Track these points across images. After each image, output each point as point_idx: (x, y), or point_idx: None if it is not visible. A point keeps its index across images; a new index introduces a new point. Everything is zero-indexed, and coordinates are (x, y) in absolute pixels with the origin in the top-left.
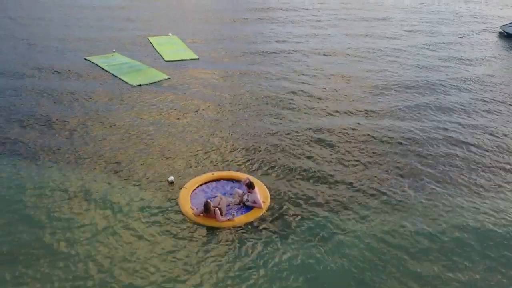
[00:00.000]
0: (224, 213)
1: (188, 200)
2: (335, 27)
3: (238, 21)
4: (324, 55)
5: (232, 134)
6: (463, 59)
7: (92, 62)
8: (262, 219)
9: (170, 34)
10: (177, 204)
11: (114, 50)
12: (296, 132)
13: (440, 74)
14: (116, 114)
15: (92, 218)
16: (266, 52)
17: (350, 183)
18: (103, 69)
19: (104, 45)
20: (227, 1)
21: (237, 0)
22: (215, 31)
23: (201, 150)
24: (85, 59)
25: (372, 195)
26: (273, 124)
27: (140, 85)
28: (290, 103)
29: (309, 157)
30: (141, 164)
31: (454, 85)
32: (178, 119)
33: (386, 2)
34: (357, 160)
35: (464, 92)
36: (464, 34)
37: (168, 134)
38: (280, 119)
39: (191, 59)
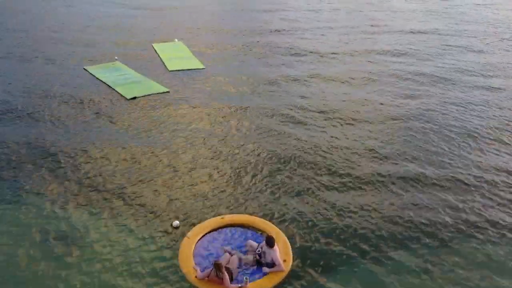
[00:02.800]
0: (234, 275)
1: (191, 256)
2: (359, 43)
3: (250, 30)
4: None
5: (240, 169)
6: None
7: (91, 74)
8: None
9: (176, 40)
10: (177, 258)
11: (116, 58)
12: (328, 170)
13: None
14: (108, 137)
15: (70, 268)
16: (282, 67)
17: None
18: (100, 80)
19: (107, 53)
20: (239, 10)
21: (250, 11)
22: (225, 38)
23: (207, 185)
24: (84, 69)
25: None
26: (297, 159)
27: (135, 97)
28: (313, 126)
29: (340, 205)
30: (134, 201)
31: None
32: (177, 143)
33: (408, 7)
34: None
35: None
36: (490, 41)
37: (165, 164)
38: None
39: (197, 69)
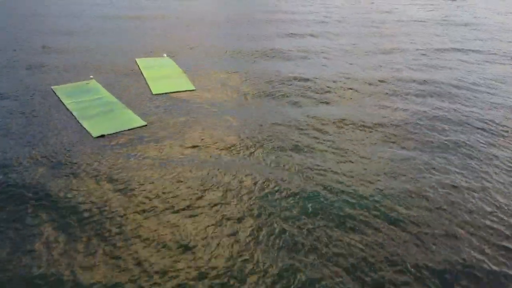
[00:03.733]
0: None
1: None
2: (369, 57)
3: (253, 49)
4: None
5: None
6: None
7: (57, 96)
8: None
9: (165, 55)
10: None
11: (91, 76)
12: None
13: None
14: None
15: None
16: (285, 95)
17: None
18: (66, 108)
19: (83, 69)
20: (243, 21)
21: (254, 22)
22: (222, 54)
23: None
24: (52, 89)
25: None
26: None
27: (103, 135)
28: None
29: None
30: None
31: None
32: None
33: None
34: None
35: None
36: None
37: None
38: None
39: (186, 91)
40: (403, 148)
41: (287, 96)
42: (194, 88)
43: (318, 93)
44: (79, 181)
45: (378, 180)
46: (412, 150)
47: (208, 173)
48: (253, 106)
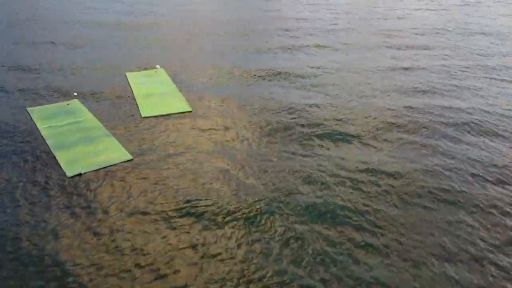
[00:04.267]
0: None
1: None
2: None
3: (254, 56)
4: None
5: None
6: None
7: (33, 120)
8: None
9: (158, 66)
10: None
11: (75, 94)
12: None
13: None
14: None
15: None
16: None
17: None
18: (41, 135)
19: (66, 85)
20: (249, 31)
21: (260, 32)
22: (222, 69)
23: None
24: (27, 111)
25: None
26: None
27: (80, 174)
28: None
29: None
30: None
31: None
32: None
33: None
34: None
35: None
36: None
37: None
38: None
39: (181, 113)
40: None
41: (297, 134)
42: (190, 110)
43: (336, 131)
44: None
45: None
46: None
47: None
48: (262, 147)
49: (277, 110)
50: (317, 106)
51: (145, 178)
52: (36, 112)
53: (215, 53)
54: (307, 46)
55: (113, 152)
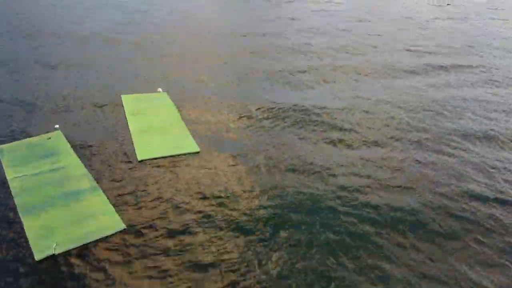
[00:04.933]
0: None
1: None
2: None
3: (272, 86)
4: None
5: None
6: None
7: (1, 163)
8: None
9: (160, 90)
10: None
11: (57, 126)
12: None
13: None
14: None
15: None
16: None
17: None
18: (9, 185)
19: (48, 113)
20: (264, 52)
21: (280, 51)
22: (235, 92)
23: None
24: None
25: None
26: None
27: (53, 254)
28: None
29: None
30: None
31: None
32: None
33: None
34: None
35: None
36: None
37: None
38: None
39: (186, 154)
40: None
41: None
42: (198, 150)
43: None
44: None
45: None
46: None
47: None
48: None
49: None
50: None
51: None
52: (7, 153)
53: (226, 76)
54: (327, 70)
55: (101, 219)
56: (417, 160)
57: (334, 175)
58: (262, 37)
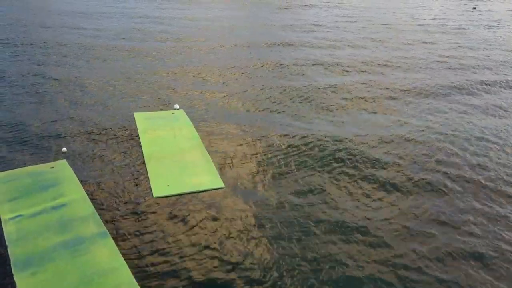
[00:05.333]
0: None
1: None
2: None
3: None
4: None
5: None
6: None
7: None
8: None
9: (177, 106)
10: None
11: (64, 150)
12: None
13: None
14: None
15: None
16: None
17: None
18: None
19: (53, 136)
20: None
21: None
22: (259, 114)
23: None
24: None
25: None
26: None
27: None
28: None
29: None
30: None
31: None
32: None
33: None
34: None
35: None
36: None
37: None
38: None
39: (209, 190)
40: None
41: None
42: (222, 186)
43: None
44: None
45: None
46: None
47: None
48: None
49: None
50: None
51: None
52: (1, 183)
53: (249, 93)
54: (360, 87)
55: (110, 278)
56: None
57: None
58: (286, 48)
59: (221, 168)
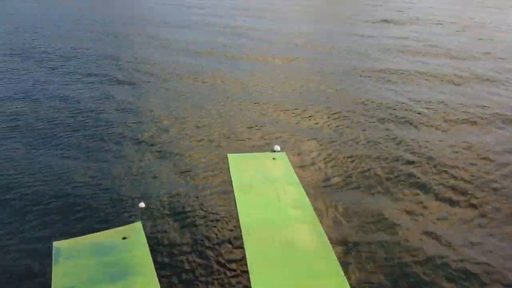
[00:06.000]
0: None
1: None
2: None
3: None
4: None
5: None
6: None
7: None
8: None
9: (278, 148)
10: None
11: (142, 204)
12: None
13: None
14: None
15: None
16: None
17: None
18: None
19: (125, 194)
20: None
21: None
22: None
23: None
24: (54, 247)
25: None
26: None
27: None
28: None
29: None
30: None
31: None
32: None
33: None
34: None
35: None
36: None
37: None
38: None
39: None
40: None
41: None
42: (347, 287)
43: None
44: None
45: None
46: None
47: None
48: None
49: None
50: None
51: None
52: (64, 254)
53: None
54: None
55: None
56: None
57: None
58: (397, 82)
59: (346, 264)
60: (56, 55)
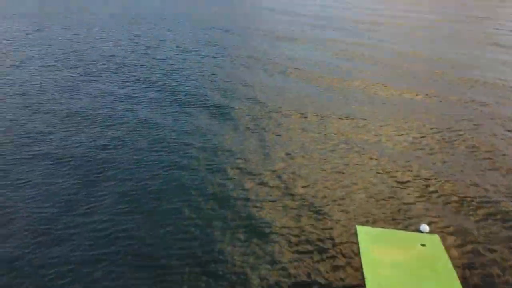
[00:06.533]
0: None
1: None
2: None
3: None
4: None
5: None
6: None
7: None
8: None
9: (426, 228)
10: None
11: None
12: None
13: None
14: None
15: None
16: None
17: None
18: None
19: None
20: None
21: None
22: None
23: None
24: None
25: None
26: None
27: None
28: None
29: None
30: None
31: None
32: None
33: None
34: None
35: None
36: None
37: None
38: None
39: None
40: None
41: None
42: None
43: None
44: None
45: None
46: None
47: None
48: None
49: None
50: None
51: None
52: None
53: None
54: None
55: None
56: None
57: None
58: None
59: None
60: None
